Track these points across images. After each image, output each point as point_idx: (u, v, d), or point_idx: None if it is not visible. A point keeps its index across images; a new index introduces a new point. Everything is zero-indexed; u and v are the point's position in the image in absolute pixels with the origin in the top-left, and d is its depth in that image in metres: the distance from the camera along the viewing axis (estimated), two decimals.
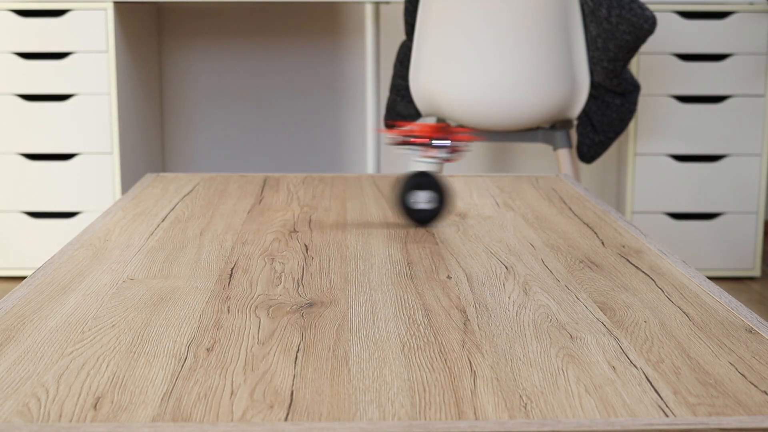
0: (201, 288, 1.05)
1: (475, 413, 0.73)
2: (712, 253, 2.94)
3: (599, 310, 0.98)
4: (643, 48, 2.84)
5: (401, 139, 1.34)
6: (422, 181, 1.33)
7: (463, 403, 0.75)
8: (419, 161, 1.35)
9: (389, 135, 1.35)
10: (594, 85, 2.40)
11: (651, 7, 2.82)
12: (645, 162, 2.89)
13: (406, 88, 2.53)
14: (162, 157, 3.33)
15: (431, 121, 3.30)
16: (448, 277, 1.10)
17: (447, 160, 1.35)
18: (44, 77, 2.79)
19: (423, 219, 1.34)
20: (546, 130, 2.48)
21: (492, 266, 1.15)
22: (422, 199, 1.33)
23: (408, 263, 1.16)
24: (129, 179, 2.92)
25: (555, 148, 2.47)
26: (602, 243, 1.27)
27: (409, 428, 0.70)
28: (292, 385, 0.78)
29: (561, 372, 0.81)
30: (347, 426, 0.71)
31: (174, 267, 1.14)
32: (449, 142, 1.34)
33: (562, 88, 2.36)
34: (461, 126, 2.51)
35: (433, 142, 1.34)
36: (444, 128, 1.34)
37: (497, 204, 1.52)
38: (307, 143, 3.36)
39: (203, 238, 1.28)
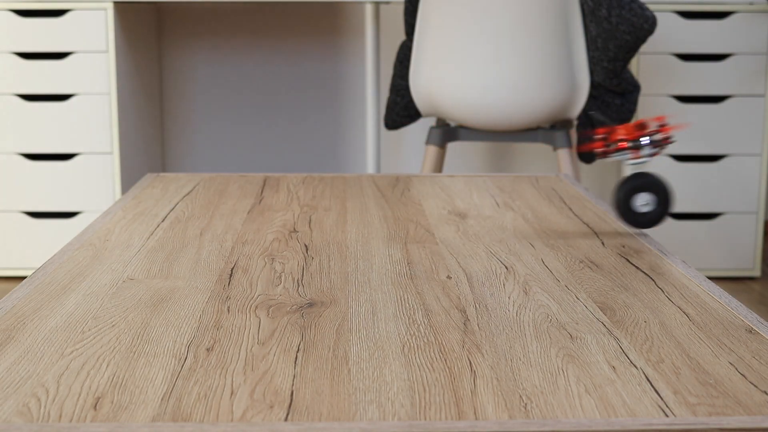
0: (201, 288, 1.05)
1: (475, 413, 0.73)
2: (712, 253, 2.94)
3: (599, 310, 0.98)
4: (643, 48, 2.84)
5: (606, 149, 1.31)
6: (641, 182, 1.29)
7: (463, 403, 0.75)
8: (631, 164, 1.32)
9: (596, 150, 1.33)
10: (594, 85, 2.40)
11: (651, 7, 2.82)
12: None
13: (406, 88, 2.53)
14: (162, 157, 3.33)
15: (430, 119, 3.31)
16: (448, 277, 1.10)
17: (654, 154, 1.31)
18: (44, 77, 2.79)
19: (646, 222, 1.30)
20: (546, 130, 2.48)
21: (492, 266, 1.15)
22: (644, 201, 1.30)
23: (408, 263, 1.16)
24: (129, 179, 2.92)
25: (555, 148, 2.47)
26: (602, 243, 1.27)
27: (409, 428, 0.70)
28: (292, 385, 0.78)
29: (561, 372, 0.81)
30: (347, 426, 0.71)
31: (174, 267, 1.14)
32: (651, 137, 1.29)
33: (562, 88, 2.36)
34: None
35: (640, 142, 1.29)
36: (641, 125, 1.29)
37: (497, 204, 1.52)
38: (307, 143, 3.36)
39: (203, 238, 1.28)
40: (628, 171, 1.32)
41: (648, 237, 1.31)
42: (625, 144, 1.30)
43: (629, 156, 1.30)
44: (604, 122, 1.32)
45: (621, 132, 1.30)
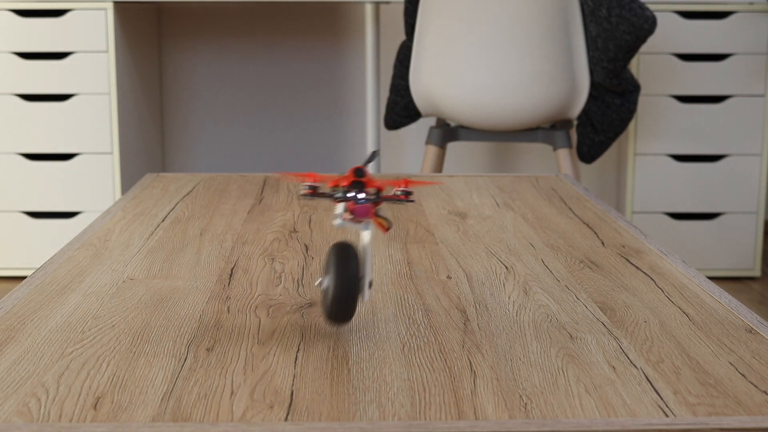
0: (201, 288, 1.05)
1: (475, 413, 0.73)
2: (712, 253, 2.94)
3: (599, 310, 0.98)
4: (643, 48, 2.84)
5: (308, 188, 0.91)
6: (327, 256, 0.87)
7: (463, 403, 0.75)
8: (336, 223, 0.89)
9: (300, 184, 0.98)
10: (594, 85, 2.40)
11: (651, 7, 2.82)
12: (645, 162, 2.89)
13: (406, 88, 2.53)
14: (162, 157, 3.33)
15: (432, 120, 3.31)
16: (448, 277, 1.10)
17: (362, 223, 0.87)
18: (44, 77, 2.79)
19: (324, 311, 0.88)
20: (546, 130, 2.48)
21: (492, 266, 1.15)
22: (321, 281, 0.89)
23: (408, 263, 1.16)
24: (129, 179, 2.92)
25: (555, 148, 2.47)
26: (602, 243, 1.27)
27: (409, 428, 0.70)
28: (292, 385, 0.78)
29: (561, 372, 0.81)
30: (347, 426, 0.71)
31: (174, 267, 1.14)
32: (355, 193, 0.87)
33: (562, 88, 2.36)
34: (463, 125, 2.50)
35: (337, 195, 0.88)
36: (352, 173, 0.88)
37: (497, 204, 1.52)
38: (307, 143, 3.36)
39: (203, 238, 1.28)
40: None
41: (648, 237, 1.31)
42: (319, 192, 0.91)
43: (336, 210, 0.92)
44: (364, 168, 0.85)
45: (333, 177, 0.92)
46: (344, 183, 0.87)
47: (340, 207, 0.88)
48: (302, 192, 0.91)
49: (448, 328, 0.93)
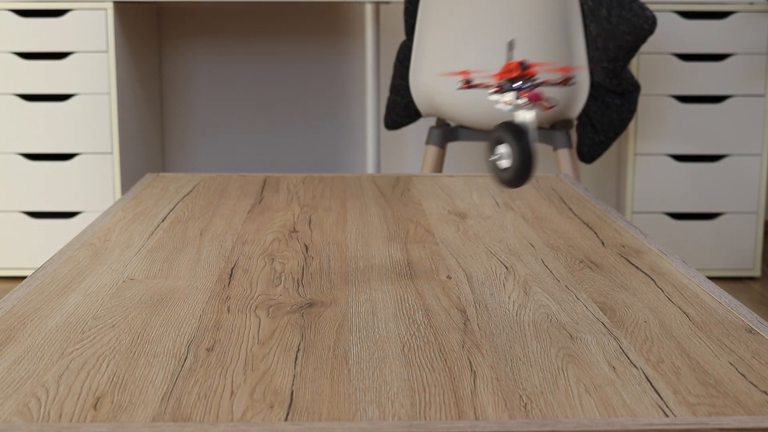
0: (201, 288, 1.05)
1: (475, 413, 0.73)
2: (712, 253, 2.94)
3: (599, 310, 0.98)
4: (643, 48, 2.84)
5: (465, 81, 1.08)
6: (500, 134, 1.04)
7: (463, 403, 0.75)
8: (506, 110, 1.08)
9: (460, 79, 1.15)
10: (594, 85, 2.40)
11: (651, 7, 2.82)
12: (645, 162, 2.89)
13: (406, 88, 2.53)
14: (162, 157, 3.33)
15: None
16: (448, 277, 1.10)
17: (533, 105, 1.04)
18: (44, 77, 2.79)
19: (506, 181, 1.04)
20: (546, 130, 2.48)
21: (492, 266, 1.15)
22: (499, 156, 1.04)
23: (408, 263, 1.16)
24: (129, 179, 2.92)
25: (555, 148, 2.47)
26: (602, 243, 1.27)
27: (409, 428, 0.70)
28: (292, 385, 0.78)
29: (561, 372, 0.81)
30: (347, 426, 0.71)
31: (174, 267, 1.14)
32: (522, 83, 1.04)
33: (562, 88, 2.36)
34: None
35: (509, 84, 1.04)
36: (517, 67, 1.05)
37: (497, 204, 1.52)
38: (307, 143, 3.36)
39: (203, 238, 1.28)
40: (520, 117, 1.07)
41: (648, 237, 1.31)
42: (482, 83, 1.07)
43: (499, 99, 1.07)
44: (512, 57, 1.02)
45: (502, 72, 1.07)
46: (509, 75, 1.04)
47: (508, 96, 1.04)
48: (460, 87, 1.06)
49: (448, 328, 0.93)
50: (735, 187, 2.90)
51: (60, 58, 2.79)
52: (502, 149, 1.02)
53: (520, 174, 1.00)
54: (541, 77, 1.15)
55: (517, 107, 1.03)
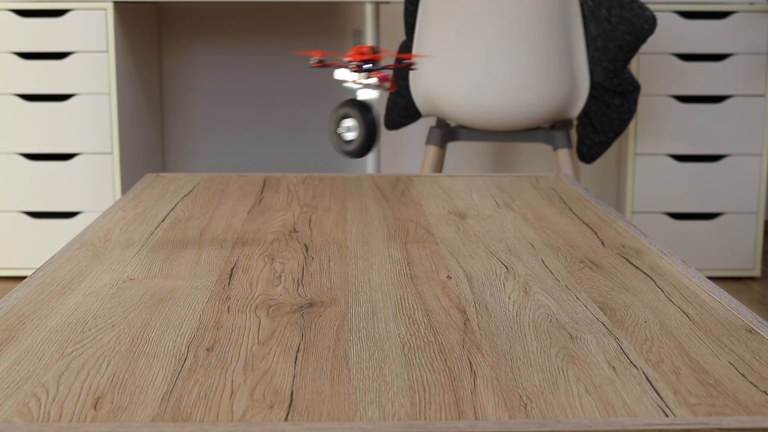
0: (201, 288, 1.05)
1: (475, 413, 0.73)
2: (712, 253, 2.94)
3: (599, 310, 0.98)
4: (643, 48, 2.85)
5: (318, 60, 1.21)
6: (346, 110, 1.18)
7: (463, 403, 0.75)
8: (353, 88, 1.20)
9: (312, 59, 1.27)
10: (594, 85, 2.40)
11: (651, 7, 2.82)
12: (645, 162, 2.89)
13: (406, 88, 2.53)
14: (162, 157, 3.33)
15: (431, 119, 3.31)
16: (448, 277, 1.10)
17: (380, 87, 1.19)
18: (44, 77, 2.79)
19: (351, 151, 1.19)
20: (546, 130, 2.48)
21: (492, 266, 1.15)
22: (346, 128, 1.18)
23: (408, 263, 1.16)
24: (129, 179, 2.92)
25: (555, 148, 2.47)
26: (602, 243, 1.27)
27: (409, 428, 0.70)
28: (292, 385, 0.78)
29: (561, 372, 0.81)
30: (347, 426, 0.71)
31: (174, 267, 1.14)
32: (372, 65, 1.17)
33: (562, 88, 2.36)
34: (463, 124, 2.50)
35: (360, 64, 1.18)
36: (368, 50, 1.18)
37: (497, 204, 1.52)
38: (307, 143, 3.36)
39: (203, 238, 1.28)
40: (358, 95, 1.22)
41: (648, 237, 1.31)
42: (333, 62, 1.20)
43: (349, 78, 1.19)
44: (360, 42, 1.26)
45: (353, 53, 1.19)
46: (359, 57, 1.17)
47: (353, 75, 1.17)
48: (312, 64, 1.21)
49: (448, 328, 0.93)
50: (735, 187, 2.90)
51: (60, 58, 2.79)
52: (349, 123, 1.17)
53: (365, 145, 1.16)
54: (386, 61, 1.28)
55: (365, 86, 1.17)
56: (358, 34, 1.32)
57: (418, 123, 3.33)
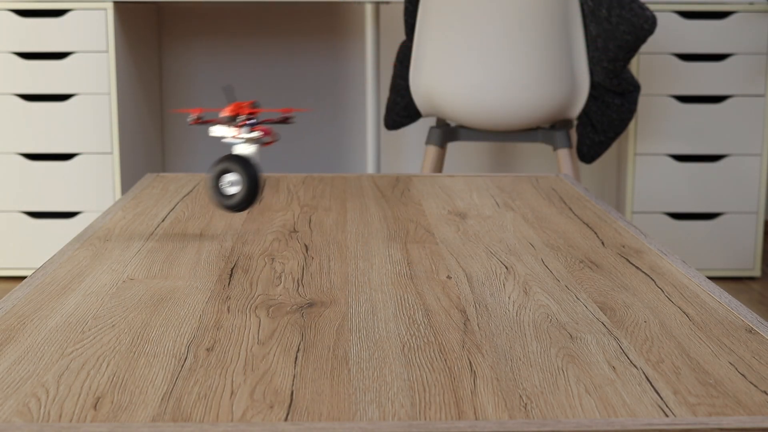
0: (201, 288, 1.05)
1: (475, 413, 0.73)
2: (712, 253, 2.94)
3: (599, 310, 0.98)
4: (643, 48, 2.85)
5: (197, 117, 1.24)
6: (229, 164, 1.20)
7: (463, 403, 0.75)
8: (233, 145, 1.25)
9: (190, 117, 1.30)
10: (594, 85, 2.40)
11: (651, 7, 2.82)
12: (645, 162, 2.89)
13: (406, 88, 2.53)
14: (162, 157, 3.33)
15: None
16: (448, 277, 1.10)
17: (260, 141, 1.23)
18: (44, 77, 2.79)
19: (231, 205, 1.21)
20: (546, 130, 2.48)
21: (492, 266, 1.15)
22: (228, 183, 1.20)
23: (408, 263, 1.16)
24: (129, 179, 2.92)
25: (555, 148, 2.47)
26: (602, 243, 1.27)
27: (409, 428, 0.70)
28: (292, 385, 0.78)
29: (561, 372, 0.81)
30: (347, 426, 0.71)
31: (174, 267, 1.14)
32: (251, 120, 1.21)
33: (562, 88, 2.36)
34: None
35: (237, 120, 1.21)
36: (248, 106, 1.22)
37: (497, 204, 1.52)
38: (307, 143, 3.36)
39: (203, 238, 1.28)
40: (233, 150, 1.26)
41: (648, 237, 1.31)
42: (221, 119, 1.23)
43: (228, 133, 1.22)
44: (235, 98, 1.29)
45: (232, 110, 1.22)
46: (239, 112, 1.21)
47: (232, 130, 1.22)
48: (190, 121, 1.24)
49: (448, 328, 0.93)
50: (735, 187, 2.90)
51: (60, 58, 2.79)
52: (231, 177, 1.20)
53: (249, 198, 1.19)
54: (264, 115, 1.33)
55: (247, 140, 1.21)
56: (231, 90, 1.36)
57: (418, 123, 3.33)
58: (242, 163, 1.19)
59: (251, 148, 1.22)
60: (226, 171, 1.20)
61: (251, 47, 3.29)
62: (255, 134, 1.21)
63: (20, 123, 2.81)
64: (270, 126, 1.40)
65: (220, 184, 1.20)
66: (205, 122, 1.23)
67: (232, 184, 1.19)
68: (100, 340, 0.89)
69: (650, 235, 2.92)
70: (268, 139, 1.22)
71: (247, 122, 1.21)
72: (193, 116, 1.23)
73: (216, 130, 1.23)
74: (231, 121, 1.21)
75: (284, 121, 1.26)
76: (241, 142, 1.22)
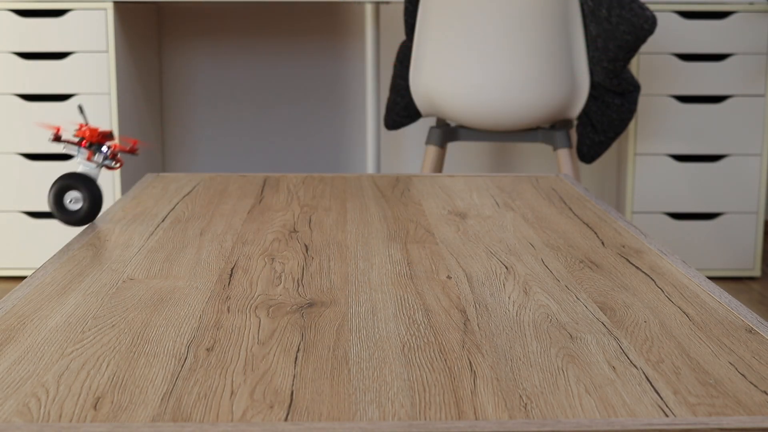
0: (201, 288, 1.05)
1: (475, 413, 0.73)
2: (712, 253, 2.94)
3: (599, 310, 0.98)
4: (643, 48, 2.85)
5: (55, 135, 1.35)
6: (72, 181, 1.34)
7: (463, 403, 0.75)
8: (83, 166, 1.36)
9: (51, 134, 1.41)
10: (594, 85, 2.40)
11: (651, 7, 2.82)
12: (645, 162, 2.89)
13: (406, 88, 2.53)
14: (162, 157, 3.33)
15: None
16: (448, 277, 1.10)
17: (106, 166, 1.36)
18: (44, 77, 2.79)
19: (75, 220, 1.35)
20: (546, 130, 2.48)
21: (492, 266, 1.15)
22: (71, 200, 1.35)
23: (408, 263, 1.16)
24: (129, 179, 2.92)
25: (555, 148, 2.47)
26: (602, 243, 1.27)
27: (409, 428, 0.70)
28: (292, 385, 0.78)
29: (561, 372, 0.81)
30: (347, 426, 0.71)
31: (174, 267, 1.14)
32: (105, 146, 1.36)
33: (562, 88, 2.36)
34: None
35: (99, 147, 1.36)
36: (108, 135, 1.36)
37: (497, 204, 1.52)
38: (307, 143, 3.36)
39: (203, 238, 1.28)
40: (78, 169, 1.41)
41: (648, 237, 1.31)
42: (82, 142, 1.35)
43: (81, 152, 1.36)
44: (86, 119, 1.38)
45: (88, 133, 1.36)
46: (94, 139, 1.36)
47: (85, 151, 1.36)
48: (51, 139, 1.34)
49: (448, 328, 0.93)
50: (735, 187, 2.90)
51: (60, 58, 2.79)
52: (74, 194, 1.34)
53: (92, 213, 1.35)
54: (114, 142, 1.49)
55: (98, 164, 1.36)
56: (83, 110, 1.56)
57: (418, 123, 3.33)
58: (84, 182, 1.34)
59: (95, 170, 1.36)
60: (68, 188, 1.34)
61: (251, 47, 3.29)
62: (107, 161, 1.36)
63: (20, 123, 2.81)
64: (119, 154, 1.59)
65: (64, 200, 1.34)
66: (61, 141, 1.35)
67: (75, 200, 1.35)
68: (100, 340, 0.89)
69: (650, 235, 2.92)
70: (117, 165, 1.38)
71: (103, 150, 1.36)
72: (52, 134, 1.35)
73: (69, 149, 1.36)
74: (92, 146, 1.36)
75: (131, 150, 1.41)
76: (92, 167, 1.36)
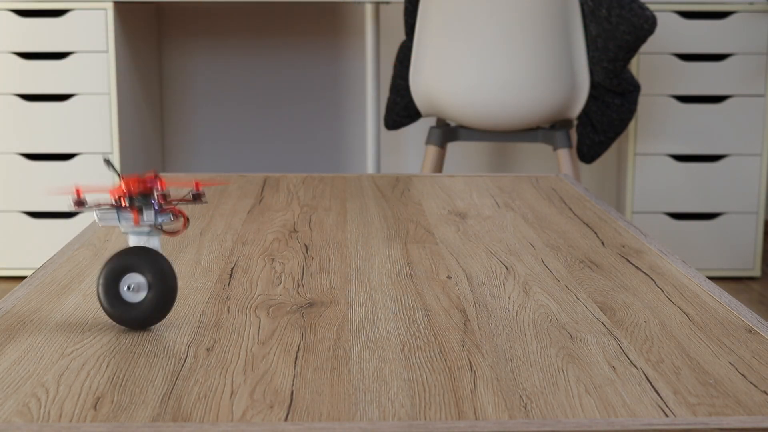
0: (201, 288, 1.05)
1: (475, 413, 0.73)
2: (712, 253, 2.94)
3: (599, 310, 0.98)
4: (643, 48, 2.84)
5: (77, 200, 0.90)
6: (129, 261, 0.89)
7: (463, 403, 0.75)
8: (130, 233, 0.91)
9: (71, 200, 0.85)
10: (594, 85, 2.40)
11: (651, 7, 2.82)
12: (645, 162, 2.89)
13: (406, 88, 2.53)
14: (162, 157, 3.33)
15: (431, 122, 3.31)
16: (448, 277, 1.10)
17: (167, 231, 0.92)
18: (44, 77, 2.79)
19: (138, 318, 0.90)
20: (546, 130, 2.48)
21: (492, 266, 1.15)
22: (132, 286, 0.90)
23: (408, 263, 1.16)
24: None
25: (555, 148, 2.47)
26: (602, 243, 1.27)
27: (409, 428, 0.70)
28: (292, 385, 0.78)
29: (561, 372, 0.81)
30: (347, 426, 0.71)
31: (174, 267, 1.14)
32: (156, 200, 0.89)
33: (562, 88, 2.36)
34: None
35: (149, 199, 0.90)
36: (149, 180, 0.89)
37: (497, 204, 1.52)
38: (307, 143, 3.36)
39: (203, 238, 1.28)
40: (130, 242, 0.91)
41: (648, 237, 1.31)
42: (121, 199, 0.89)
43: (123, 217, 0.90)
44: (116, 171, 0.88)
45: (125, 187, 0.89)
46: (133, 191, 0.88)
47: (129, 216, 0.89)
48: (73, 207, 0.93)
49: (448, 328, 0.93)
50: (735, 187, 2.90)
51: (60, 58, 2.79)
52: (136, 279, 0.89)
53: (164, 306, 0.89)
54: (170, 192, 0.99)
55: (153, 228, 0.90)
56: (111, 163, 1.04)
57: (418, 123, 3.33)
58: (150, 259, 0.89)
59: (154, 239, 0.91)
60: (127, 271, 0.89)
61: (251, 47, 3.29)
62: (163, 219, 0.90)
63: (20, 123, 2.81)
64: (180, 206, 1.12)
65: (120, 288, 0.90)
66: (90, 207, 0.90)
67: (137, 288, 0.89)
68: (100, 340, 0.89)
69: (650, 235, 2.92)
70: (178, 225, 0.93)
71: (152, 202, 0.89)
72: (73, 199, 0.90)
73: (105, 217, 0.90)
74: (133, 202, 0.89)
75: (196, 199, 0.93)
76: (145, 231, 0.90)
